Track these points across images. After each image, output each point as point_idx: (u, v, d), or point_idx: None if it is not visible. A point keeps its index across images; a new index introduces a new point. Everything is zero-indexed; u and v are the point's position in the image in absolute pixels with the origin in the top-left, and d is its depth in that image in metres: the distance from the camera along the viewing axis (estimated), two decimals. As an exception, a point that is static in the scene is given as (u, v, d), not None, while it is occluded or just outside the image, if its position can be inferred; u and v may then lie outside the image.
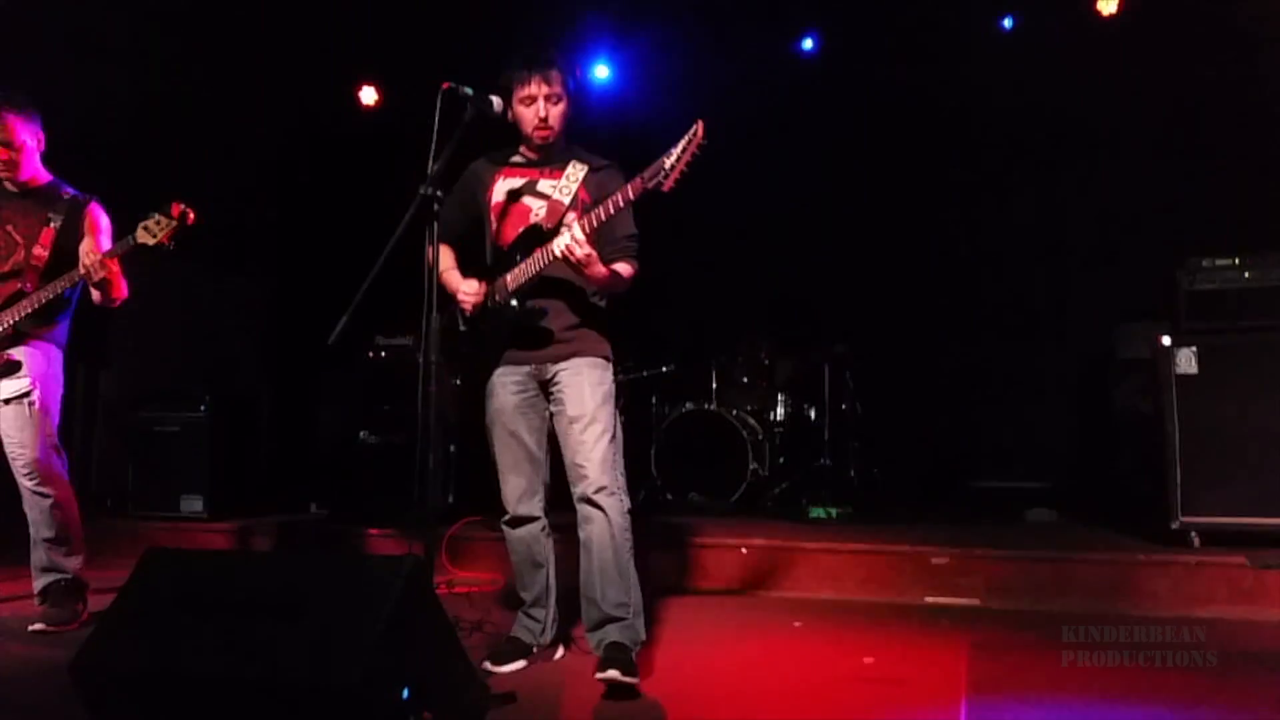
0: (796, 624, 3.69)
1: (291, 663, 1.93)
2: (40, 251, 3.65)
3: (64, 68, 5.71)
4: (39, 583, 3.70)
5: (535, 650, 3.16)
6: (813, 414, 6.08)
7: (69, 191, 3.79)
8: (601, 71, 6.72)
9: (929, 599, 4.02)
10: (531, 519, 3.15)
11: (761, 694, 2.88)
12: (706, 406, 5.85)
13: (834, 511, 5.10)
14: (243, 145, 6.75)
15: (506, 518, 3.17)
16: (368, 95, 7.13)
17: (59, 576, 3.68)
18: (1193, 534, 3.99)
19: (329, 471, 5.42)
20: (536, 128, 3.06)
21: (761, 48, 6.64)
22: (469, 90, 2.90)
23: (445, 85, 2.85)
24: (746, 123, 6.31)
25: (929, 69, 6.32)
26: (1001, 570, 4.02)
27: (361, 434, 5.33)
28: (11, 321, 3.58)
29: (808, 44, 6.72)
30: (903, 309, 6.38)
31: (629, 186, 2.77)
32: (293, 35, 6.53)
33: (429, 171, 2.84)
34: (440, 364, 2.78)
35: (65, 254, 3.66)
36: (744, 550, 4.31)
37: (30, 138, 3.69)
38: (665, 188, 2.68)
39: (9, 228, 3.70)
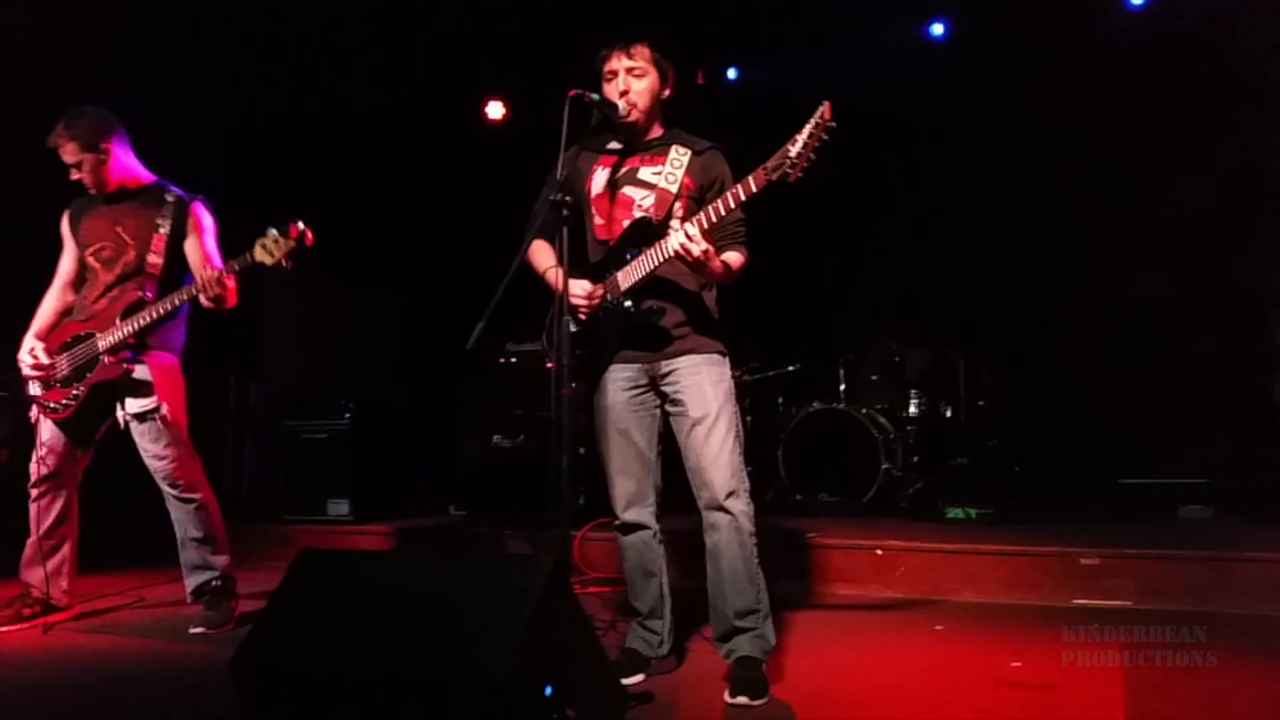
0: (938, 627, 3.59)
1: (439, 660, 1.98)
2: (155, 260, 3.71)
3: (209, 91, 6.05)
4: (192, 581, 3.82)
5: (652, 663, 3.03)
6: (948, 411, 5.91)
7: (175, 192, 3.83)
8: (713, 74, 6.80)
9: (1077, 601, 3.86)
10: (642, 526, 3.03)
11: (902, 698, 2.81)
12: (835, 405, 5.76)
13: (973, 512, 4.95)
14: (377, 163, 7.02)
15: (616, 523, 3.06)
16: (494, 110, 7.36)
17: (211, 575, 3.80)
18: (1369, 532, 3.72)
19: (465, 475, 5.56)
20: (622, 102, 2.93)
21: (891, 33, 6.52)
22: (595, 96, 2.88)
23: (572, 92, 2.81)
24: (873, 110, 6.21)
25: (1060, 51, 6.08)
26: (1155, 571, 3.83)
27: (495, 438, 5.46)
28: (132, 330, 3.63)
29: (938, 29, 6.56)
30: (1041, 299, 6.14)
31: (750, 179, 2.62)
32: (422, 57, 6.76)
33: (557, 177, 2.85)
34: (571, 367, 2.71)
35: (177, 257, 3.74)
36: (879, 552, 4.22)
37: (94, 150, 3.71)
38: (792, 178, 2.52)
39: (119, 229, 3.77)
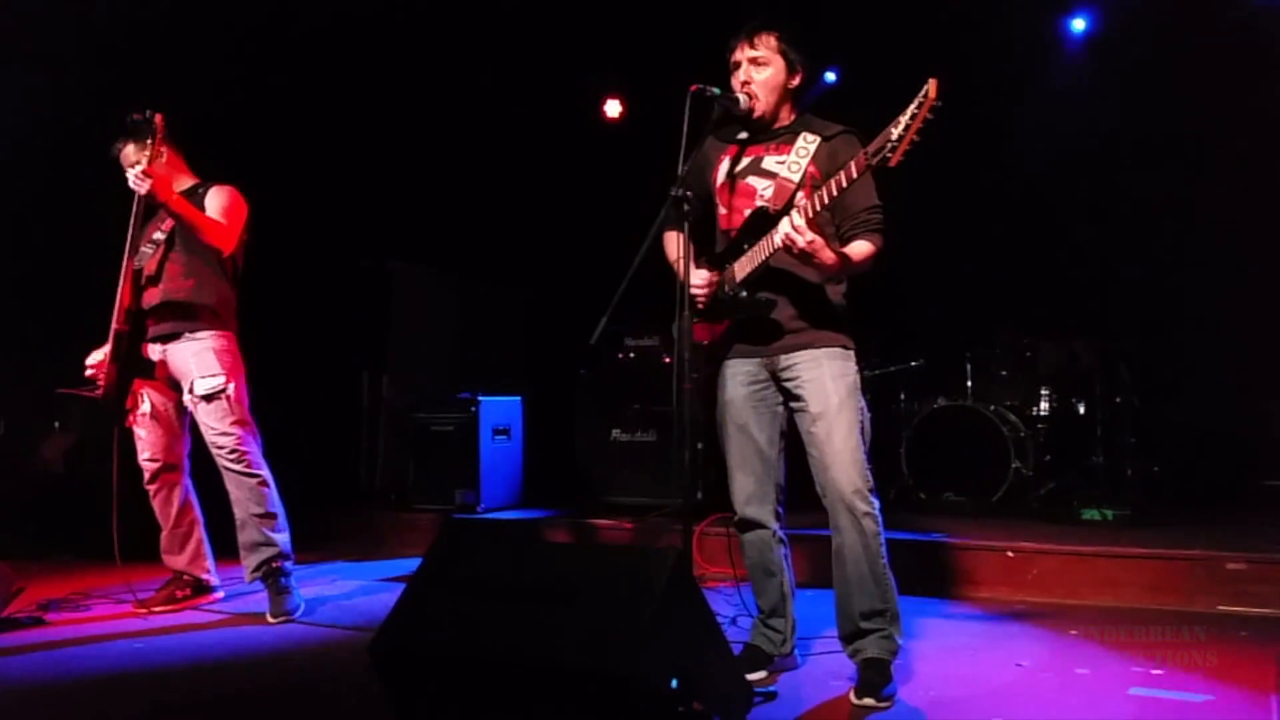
0: (1072, 632, 3.47)
1: (570, 648, 2.01)
2: (159, 235, 3.83)
3: (337, 93, 6.29)
4: (253, 560, 3.79)
5: (775, 660, 3.00)
6: (1082, 408, 5.68)
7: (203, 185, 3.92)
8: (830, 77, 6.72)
9: (1222, 608, 3.68)
10: (760, 525, 2.99)
11: (1035, 704, 2.72)
12: (962, 402, 5.61)
13: (1109, 513, 4.76)
14: (499, 163, 7.18)
15: (736, 518, 3.02)
16: (612, 108, 7.43)
17: (272, 552, 3.77)
18: None
19: (585, 468, 5.64)
20: (741, 94, 2.88)
21: (1029, 26, 6.34)
22: (716, 90, 2.84)
23: (693, 87, 2.78)
24: (1008, 97, 6.04)
25: (1199, 44, 5.79)
26: (1309, 578, 3.62)
27: (613, 432, 5.52)
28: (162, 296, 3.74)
29: (1079, 25, 6.35)
30: (1182, 291, 5.84)
31: (852, 164, 2.54)
32: (541, 58, 6.89)
33: (678, 173, 2.79)
34: (691, 361, 2.71)
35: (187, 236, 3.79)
36: (1010, 554, 4.10)
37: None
38: (892, 162, 2.41)
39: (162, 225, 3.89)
